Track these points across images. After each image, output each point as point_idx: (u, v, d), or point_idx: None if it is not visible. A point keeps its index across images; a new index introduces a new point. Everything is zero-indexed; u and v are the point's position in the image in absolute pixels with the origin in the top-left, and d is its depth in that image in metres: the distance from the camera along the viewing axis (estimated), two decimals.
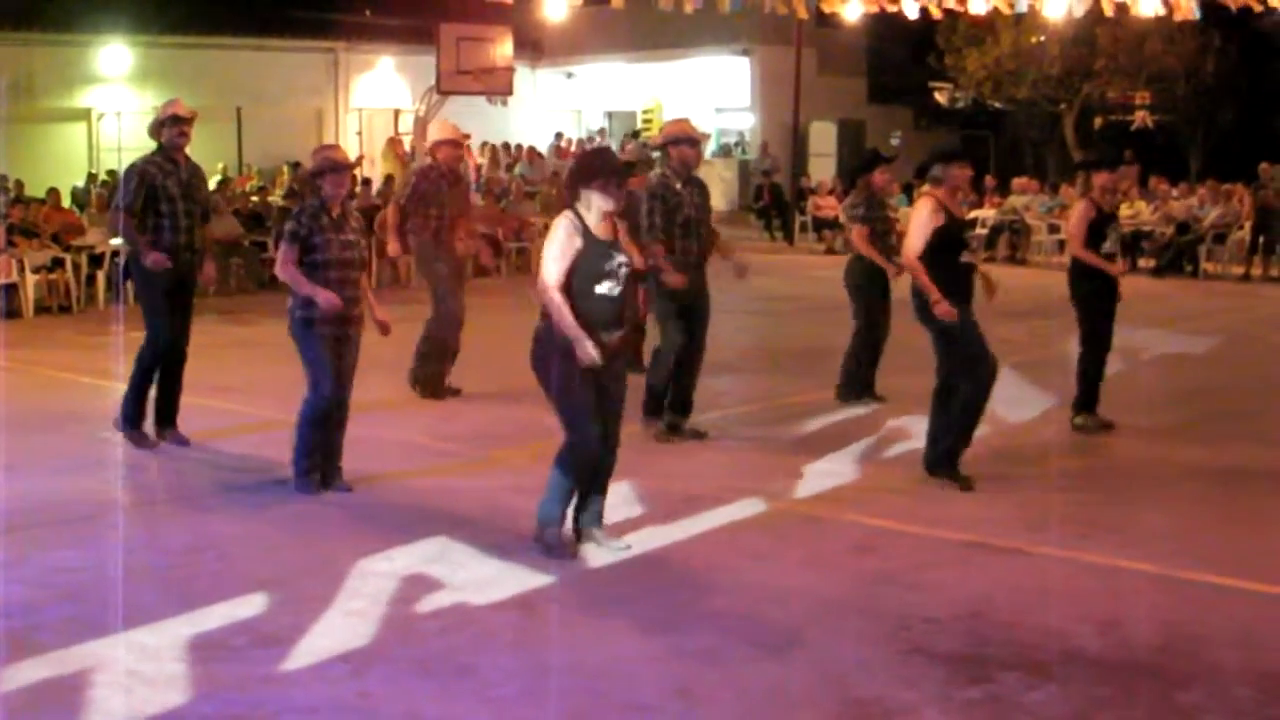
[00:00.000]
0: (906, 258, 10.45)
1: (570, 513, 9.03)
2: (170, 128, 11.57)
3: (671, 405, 12.18)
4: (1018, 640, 7.51)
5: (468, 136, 15.16)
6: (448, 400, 13.82)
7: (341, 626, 7.70)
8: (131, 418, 11.68)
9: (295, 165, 33.57)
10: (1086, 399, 12.42)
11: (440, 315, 13.92)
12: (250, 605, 7.99)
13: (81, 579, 8.49)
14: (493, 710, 6.64)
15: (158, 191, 11.41)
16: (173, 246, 11.53)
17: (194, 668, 7.10)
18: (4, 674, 6.94)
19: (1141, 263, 27.56)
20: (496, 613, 7.93)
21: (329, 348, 10.23)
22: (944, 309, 10.13)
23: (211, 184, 30.33)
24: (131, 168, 11.59)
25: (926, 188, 10.83)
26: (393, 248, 14.39)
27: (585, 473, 8.91)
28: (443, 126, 15.03)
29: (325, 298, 10.04)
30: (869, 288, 13.78)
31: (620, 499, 10.03)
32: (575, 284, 8.66)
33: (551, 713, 6.63)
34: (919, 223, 10.38)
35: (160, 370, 11.65)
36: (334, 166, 10.35)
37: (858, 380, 13.87)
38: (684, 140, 12.16)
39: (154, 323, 11.53)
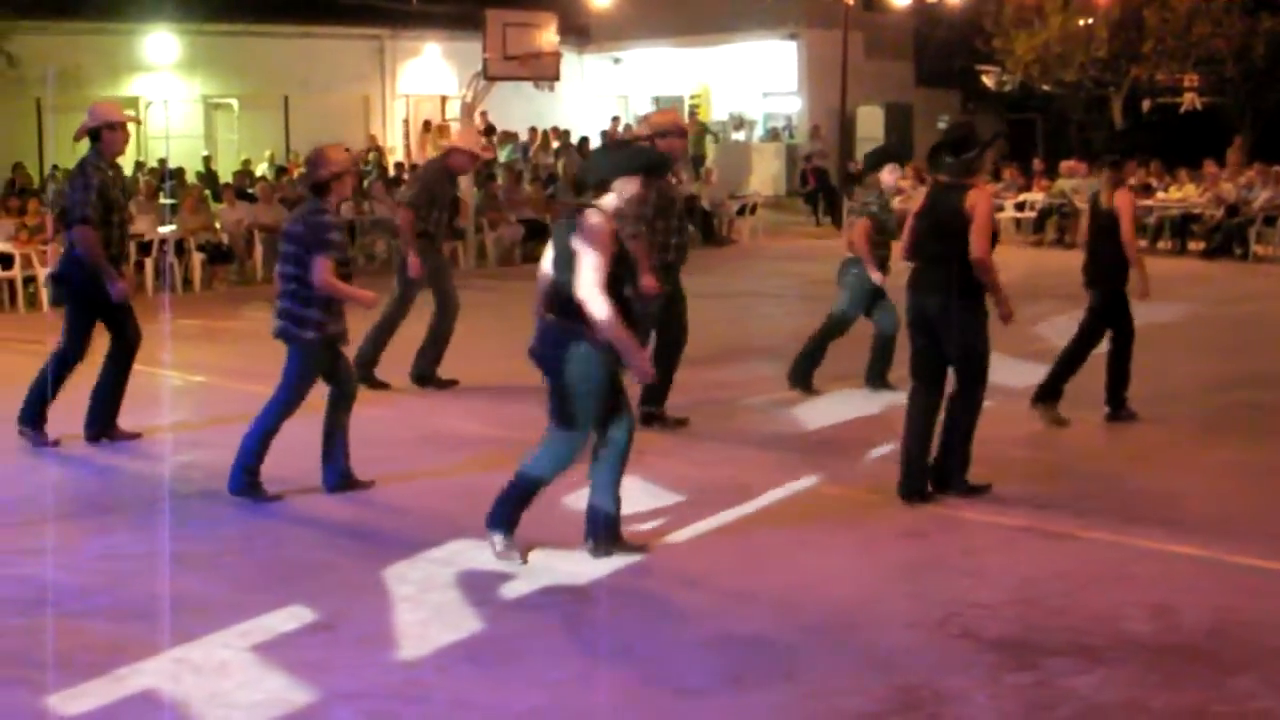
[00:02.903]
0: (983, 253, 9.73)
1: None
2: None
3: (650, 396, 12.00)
4: (1067, 625, 7.48)
5: (489, 150, 15.16)
6: (493, 387, 13.80)
7: (391, 614, 7.73)
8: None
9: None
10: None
11: (450, 308, 13.98)
12: (299, 593, 8.01)
13: (132, 565, 8.54)
14: (543, 696, 6.64)
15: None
16: None
17: (243, 654, 7.12)
18: (53, 659, 6.98)
19: (1191, 245, 27.40)
20: (546, 599, 7.94)
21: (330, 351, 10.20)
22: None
23: (259, 171, 30.71)
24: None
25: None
26: (414, 265, 13.84)
27: None
28: (468, 135, 14.96)
29: (370, 297, 10.34)
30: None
31: (668, 487, 10.05)
32: None
33: (602, 698, 6.64)
34: (988, 216, 9.78)
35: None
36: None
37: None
38: (672, 132, 12.04)
39: None
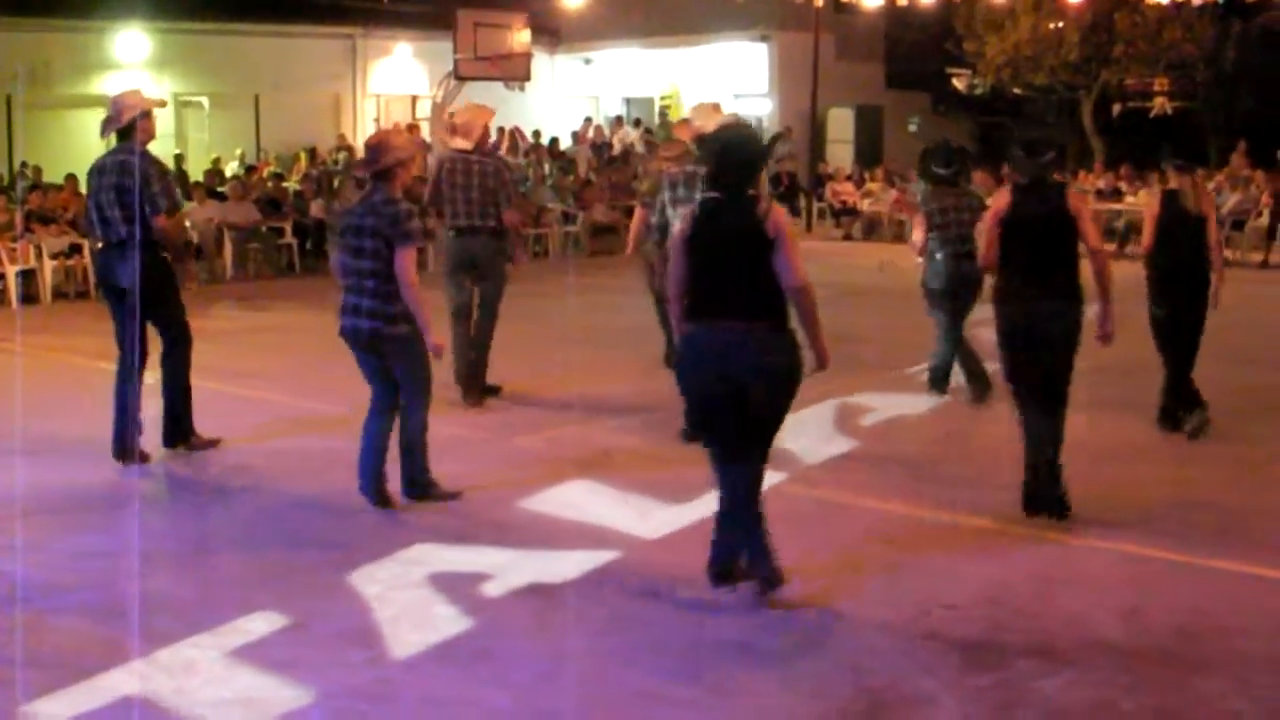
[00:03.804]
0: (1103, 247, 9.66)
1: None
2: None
3: None
4: (1036, 627, 7.50)
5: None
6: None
7: (359, 613, 7.71)
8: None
9: (312, 151, 33.60)
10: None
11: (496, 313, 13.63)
12: (268, 592, 8.00)
13: (100, 564, 8.51)
14: (510, 695, 6.64)
15: None
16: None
17: (210, 652, 7.11)
18: (22, 657, 6.96)
19: None
20: (514, 599, 7.94)
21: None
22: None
23: (230, 170, 30.63)
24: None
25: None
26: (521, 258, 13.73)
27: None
28: (473, 111, 14.12)
29: (441, 346, 9.83)
30: None
31: (636, 487, 10.05)
32: None
33: (569, 698, 6.63)
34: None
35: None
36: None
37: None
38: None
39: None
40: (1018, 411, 9.68)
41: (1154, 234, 11.96)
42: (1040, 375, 9.53)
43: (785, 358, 7.62)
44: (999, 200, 9.62)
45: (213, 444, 11.37)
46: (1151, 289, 12.05)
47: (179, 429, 11.28)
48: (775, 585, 7.86)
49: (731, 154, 7.84)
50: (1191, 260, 11.87)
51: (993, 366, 13.17)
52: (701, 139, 11.34)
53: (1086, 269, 9.36)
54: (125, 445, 10.92)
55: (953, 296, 13.09)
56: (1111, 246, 19.23)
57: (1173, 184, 11.91)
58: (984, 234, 9.67)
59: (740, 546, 7.94)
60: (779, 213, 7.68)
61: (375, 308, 9.42)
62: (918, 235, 13.23)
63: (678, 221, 10.89)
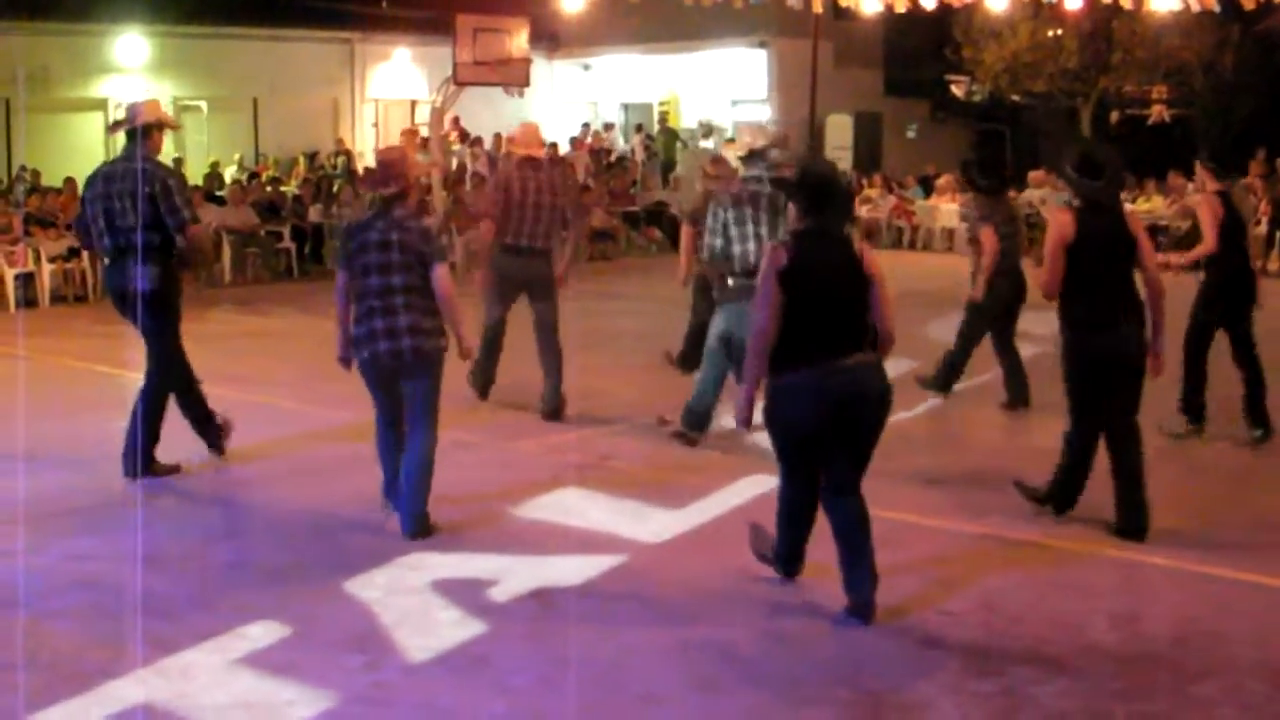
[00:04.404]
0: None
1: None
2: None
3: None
4: (1032, 633, 7.51)
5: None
6: (465, 393, 13.64)
7: (358, 619, 7.72)
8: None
9: (311, 156, 33.61)
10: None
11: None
12: (265, 595, 8.01)
13: (99, 567, 8.52)
14: (508, 700, 6.66)
15: None
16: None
17: (209, 657, 7.12)
18: (24, 661, 6.97)
19: (1159, 257, 27.34)
20: (513, 604, 7.95)
21: None
22: None
23: (228, 174, 30.63)
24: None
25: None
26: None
27: None
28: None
29: (471, 348, 9.69)
30: None
31: (635, 492, 10.06)
32: None
33: (567, 703, 6.64)
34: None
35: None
36: None
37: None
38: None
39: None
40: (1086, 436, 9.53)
41: (1218, 236, 11.72)
42: (1119, 402, 9.33)
43: (887, 384, 7.77)
44: (1061, 223, 9.22)
45: (173, 470, 10.76)
46: (1209, 294, 11.96)
47: (144, 456, 10.61)
48: (868, 615, 7.73)
49: (832, 190, 7.82)
50: (1247, 261, 11.93)
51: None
52: (752, 155, 11.16)
53: None
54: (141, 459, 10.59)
55: (1005, 313, 13.08)
56: None
57: (1217, 186, 11.78)
58: (1046, 259, 9.24)
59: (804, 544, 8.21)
60: (872, 253, 7.78)
61: (413, 323, 9.04)
62: (990, 245, 13.06)
63: (744, 244, 10.80)
